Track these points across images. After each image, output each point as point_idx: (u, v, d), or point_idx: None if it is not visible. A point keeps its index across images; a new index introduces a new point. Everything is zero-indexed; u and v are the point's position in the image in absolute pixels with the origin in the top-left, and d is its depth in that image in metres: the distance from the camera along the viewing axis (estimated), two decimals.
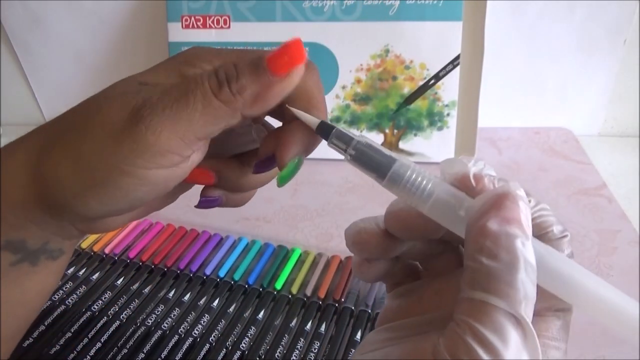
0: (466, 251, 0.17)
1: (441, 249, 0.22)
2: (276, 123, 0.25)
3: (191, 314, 0.39)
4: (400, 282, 0.23)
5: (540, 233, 0.18)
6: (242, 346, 0.36)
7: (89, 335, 0.37)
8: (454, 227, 0.18)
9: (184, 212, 0.53)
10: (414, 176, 0.19)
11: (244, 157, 0.25)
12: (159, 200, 0.25)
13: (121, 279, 0.42)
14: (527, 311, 0.15)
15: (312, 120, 0.20)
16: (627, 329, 0.16)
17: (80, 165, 0.20)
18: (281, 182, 0.23)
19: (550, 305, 0.18)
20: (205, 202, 0.25)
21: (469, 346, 0.15)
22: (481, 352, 0.15)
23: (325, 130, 0.20)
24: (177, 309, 0.39)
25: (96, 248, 0.46)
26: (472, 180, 0.18)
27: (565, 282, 0.17)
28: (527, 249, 0.16)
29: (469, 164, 0.18)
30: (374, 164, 0.19)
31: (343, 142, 0.20)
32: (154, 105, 0.19)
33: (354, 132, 0.21)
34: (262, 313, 0.39)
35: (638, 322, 0.16)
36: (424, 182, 0.18)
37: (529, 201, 0.18)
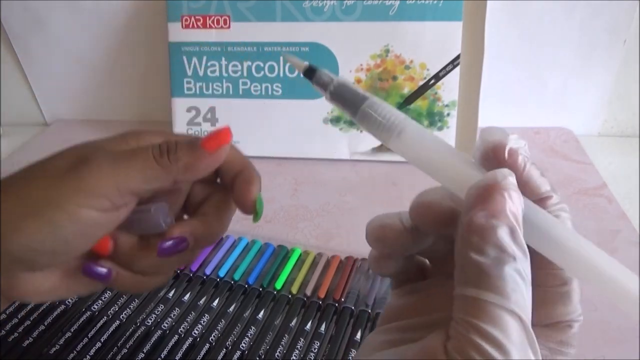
0: (456, 247, 0.17)
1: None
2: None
3: (191, 313, 0.39)
4: (408, 280, 0.23)
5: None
6: (242, 346, 0.36)
7: (89, 335, 0.37)
8: (420, 164, 0.19)
9: None
10: (384, 112, 0.20)
11: (150, 239, 0.25)
12: (66, 281, 0.24)
13: None
14: (518, 302, 0.15)
15: (299, 63, 0.22)
16: (628, 303, 0.17)
17: (21, 200, 0.21)
18: (257, 219, 0.25)
19: (561, 318, 0.18)
20: (88, 271, 0.24)
21: (476, 344, 0.15)
22: (487, 347, 0.15)
23: (309, 72, 0.22)
24: (177, 308, 0.39)
25: None
26: (506, 153, 0.18)
27: (569, 254, 0.17)
28: (516, 240, 0.16)
29: (510, 137, 0.18)
30: (349, 101, 0.21)
31: (324, 82, 0.22)
32: (101, 155, 0.22)
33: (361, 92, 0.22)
34: (262, 313, 0.39)
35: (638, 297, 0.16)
36: (393, 118, 0.20)
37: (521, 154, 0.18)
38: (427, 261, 0.23)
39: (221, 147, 0.23)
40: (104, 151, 0.23)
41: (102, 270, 0.24)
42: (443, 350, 0.16)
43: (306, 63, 0.22)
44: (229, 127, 0.24)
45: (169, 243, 0.24)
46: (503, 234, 0.16)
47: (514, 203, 0.16)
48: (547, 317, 0.18)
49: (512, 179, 0.17)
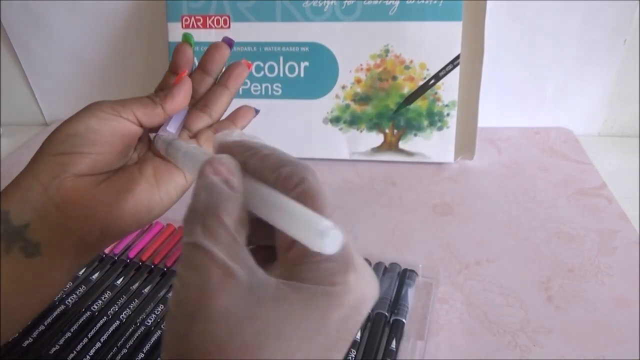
0: None
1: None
2: None
3: None
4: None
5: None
6: None
7: (89, 335, 0.37)
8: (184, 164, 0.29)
9: (184, 212, 0.53)
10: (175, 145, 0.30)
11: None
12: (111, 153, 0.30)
13: (121, 279, 0.42)
14: (204, 237, 0.19)
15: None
16: (309, 237, 0.19)
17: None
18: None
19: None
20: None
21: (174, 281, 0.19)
22: (177, 283, 0.19)
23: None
24: None
25: None
26: (217, 145, 0.24)
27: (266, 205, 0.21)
28: (209, 190, 0.20)
29: (230, 135, 0.24)
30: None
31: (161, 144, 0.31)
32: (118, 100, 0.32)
33: None
34: None
35: (318, 230, 0.18)
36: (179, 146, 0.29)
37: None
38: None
39: (182, 78, 0.33)
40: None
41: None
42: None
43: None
44: (185, 71, 0.34)
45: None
46: (199, 187, 0.21)
47: (212, 164, 0.21)
48: (281, 245, 0.21)
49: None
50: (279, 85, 0.58)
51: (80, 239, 0.29)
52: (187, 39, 0.36)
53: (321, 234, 0.18)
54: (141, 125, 0.31)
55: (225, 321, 0.18)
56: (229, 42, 0.37)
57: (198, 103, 0.35)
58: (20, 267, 0.27)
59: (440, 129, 0.57)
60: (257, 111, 0.38)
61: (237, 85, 0.36)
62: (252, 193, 0.21)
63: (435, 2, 0.53)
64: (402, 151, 0.58)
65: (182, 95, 0.32)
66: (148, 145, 0.34)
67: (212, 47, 0.36)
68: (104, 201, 0.29)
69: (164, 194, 0.31)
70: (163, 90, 0.33)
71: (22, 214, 0.27)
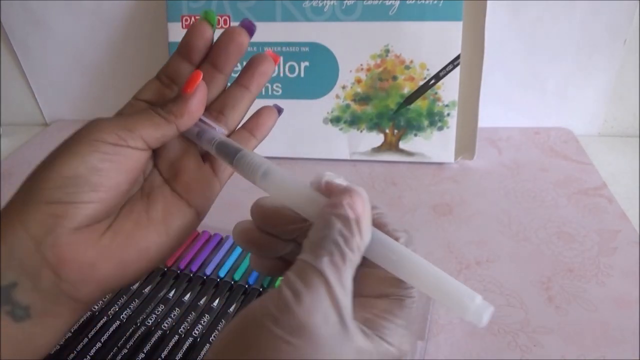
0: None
1: None
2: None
3: (191, 314, 0.39)
4: None
5: (382, 230, 0.23)
6: None
7: (89, 335, 0.37)
8: (282, 196, 0.25)
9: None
10: (251, 160, 0.26)
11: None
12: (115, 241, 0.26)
13: None
14: (330, 266, 0.19)
15: (192, 129, 0.29)
16: (452, 304, 0.21)
17: (49, 156, 0.25)
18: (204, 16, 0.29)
19: (385, 292, 0.23)
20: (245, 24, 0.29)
21: (280, 287, 0.19)
22: (285, 290, 0.19)
23: (199, 135, 0.29)
24: (177, 309, 0.39)
25: None
26: (323, 184, 0.23)
27: (395, 263, 0.22)
28: (348, 225, 0.20)
29: (326, 173, 0.24)
30: (226, 153, 0.27)
31: (209, 141, 0.28)
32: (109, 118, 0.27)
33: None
34: None
35: (460, 299, 0.20)
36: (257, 163, 0.26)
37: (373, 208, 0.23)
38: None
39: (197, 84, 0.27)
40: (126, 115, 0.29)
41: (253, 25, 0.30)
42: (259, 306, 0.20)
43: (197, 129, 0.28)
44: (199, 71, 0.28)
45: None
46: (332, 217, 0.21)
47: (350, 202, 0.21)
48: (374, 290, 0.23)
49: (354, 190, 0.22)
50: (279, 85, 0.58)
51: (76, 299, 0.25)
52: (207, 16, 0.28)
53: (478, 310, 0.20)
54: (150, 147, 0.27)
55: (316, 347, 0.19)
56: (249, 26, 0.29)
57: (208, 108, 0.30)
58: (7, 331, 0.23)
59: (440, 129, 0.57)
60: (280, 111, 0.33)
61: (260, 85, 0.30)
62: (380, 244, 0.22)
63: (435, 2, 0.53)
64: (402, 151, 0.58)
65: (199, 108, 0.27)
66: (153, 162, 0.29)
67: (227, 34, 0.29)
68: (107, 256, 0.25)
69: (173, 236, 0.27)
70: (167, 75, 0.30)
71: (8, 271, 0.23)
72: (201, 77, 0.27)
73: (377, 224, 0.23)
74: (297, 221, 0.24)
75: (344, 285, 0.20)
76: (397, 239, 0.23)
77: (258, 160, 0.25)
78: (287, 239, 0.26)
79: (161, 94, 0.30)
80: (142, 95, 0.31)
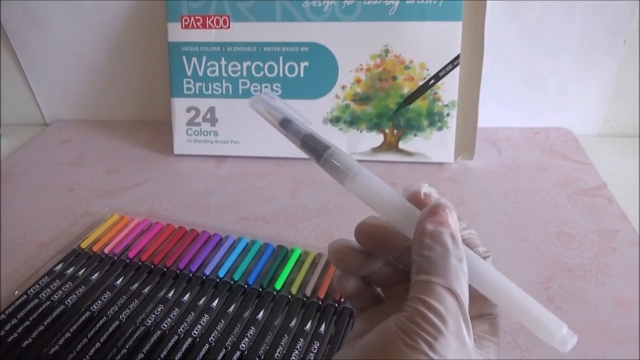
0: (412, 249, 0.22)
1: (401, 277, 0.26)
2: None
3: (191, 314, 0.39)
4: (366, 308, 0.27)
5: (473, 250, 0.24)
6: (242, 346, 0.36)
7: (89, 336, 0.37)
8: (369, 200, 0.24)
9: (184, 212, 0.53)
10: (340, 159, 0.25)
11: None
12: None
13: (121, 279, 0.42)
14: (459, 286, 0.20)
15: (276, 115, 0.26)
16: (540, 331, 0.21)
17: None
18: None
19: (484, 311, 0.24)
20: None
21: (422, 312, 0.19)
22: (430, 315, 0.19)
23: (285, 122, 0.26)
24: (176, 309, 0.39)
25: (95, 248, 0.46)
26: (422, 195, 0.24)
27: (492, 286, 0.22)
28: (456, 243, 0.21)
29: (423, 184, 0.24)
30: (314, 149, 0.25)
31: (296, 132, 0.26)
32: None
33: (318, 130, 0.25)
34: (261, 313, 0.39)
35: (549, 327, 0.21)
36: (349, 164, 0.25)
37: (460, 224, 0.24)
38: (380, 291, 0.27)
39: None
40: None
41: None
42: (395, 325, 0.20)
43: (281, 116, 0.26)
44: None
45: None
46: (447, 236, 0.21)
47: (454, 219, 0.22)
48: (473, 311, 0.23)
49: (451, 206, 0.22)
50: (279, 85, 0.58)
51: None
52: None
53: (565, 338, 0.22)
54: None
55: None
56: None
57: None
58: None
59: (440, 129, 0.57)
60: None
61: None
62: (477, 266, 0.22)
63: (435, 2, 0.53)
64: (402, 151, 0.58)
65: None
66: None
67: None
68: None
69: None
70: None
71: None
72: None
73: (469, 244, 0.24)
74: (403, 241, 0.24)
75: (467, 304, 0.21)
76: (485, 259, 0.24)
77: (349, 161, 0.25)
78: (386, 257, 0.26)
79: None
80: None
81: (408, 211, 0.23)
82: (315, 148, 0.25)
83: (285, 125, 0.26)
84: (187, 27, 0.58)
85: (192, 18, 0.58)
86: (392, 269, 0.26)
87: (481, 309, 0.24)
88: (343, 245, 0.26)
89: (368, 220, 0.25)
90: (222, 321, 0.38)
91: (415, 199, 0.24)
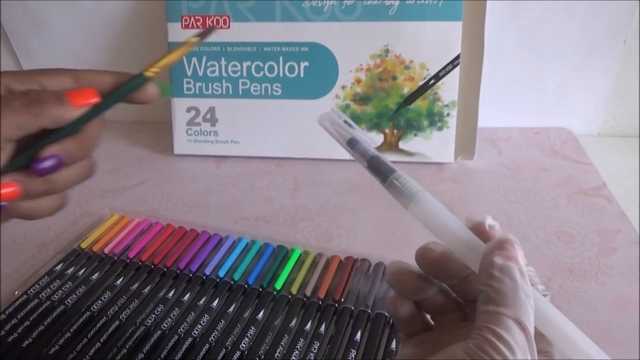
0: (480, 279, 0.22)
1: (453, 306, 0.27)
2: None
3: (191, 314, 0.39)
4: (414, 333, 0.27)
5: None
6: (242, 346, 0.36)
7: (89, 336, 0.37)
8: (432, 227, 0.24)
9: (184, 212, 0.53)
10: (405, 183, 0.26)
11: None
12: None
13: (121, 279, 0.42)
14: (528, 320, 0.21)
15: (344, 134, 0.28)
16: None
17: None
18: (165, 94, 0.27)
19: (540, 348, 0.23)
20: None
21: (491, 341, 0.20)
22: (500, 345, 0.20)
23: (352, 143, 0.28)
24: (176, 309, 0.39)
25: (95, 248, 0.46)
26: (487, 227, 0.24)
27: (553, 326, 0.23)
28: (524, 278, 0.22)
29: (487, 216, 0.25)
30: (380, 171, 0.27)
31: (363, 153, 0.27)
32: None
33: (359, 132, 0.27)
34: (261, 313, 0.39)
35: None
36: (414, 189, 0.25)
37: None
38: (429, 317, 0.28)
39: (87, 104, 0.26)
40: None
41: None
42: (463, 352, 0.20)
43: (349, 135, 0.28)
44: (94, 90, 0.27)
45: (44, 163, 0.26)
46: (516, 271, 0.22)
47: (522, 255, 0.23)
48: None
49: (518, 242, 0.23)
50: (279, 85, 0.58)
51: None
52: (163, 91, 0.30)
53: None
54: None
55: None
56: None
57: None
58: None
59: (440, 129, 0.57)
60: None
61: None
62: (539, 303, 0.23)
63: (435, 2, 0.53)
64: (402, 151, 0.58)
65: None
66: None
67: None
68: None
69: None
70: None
71: None
72: (96, 99, 0.27)
73: (529, 281, 0.24)
74: (464, 270, 0.25)
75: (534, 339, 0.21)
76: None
77: (414, 186, 0.26)
78: (442, 284, 0.27)
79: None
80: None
81: (471, 242, 0.24)
82: (381, 170, 0.26)
83: (353, 145, 0.28)
84: (187, 27, 0.58)
85: (192, 18, 0.58)
86: (445, 297, 0.27)
87: (539, 345, 0.24)
88: (402, 267, 0.26)
89: (431, 245, 0.25)
90: (222, 321, 0.38)
91: (479, 230, 0.24)
